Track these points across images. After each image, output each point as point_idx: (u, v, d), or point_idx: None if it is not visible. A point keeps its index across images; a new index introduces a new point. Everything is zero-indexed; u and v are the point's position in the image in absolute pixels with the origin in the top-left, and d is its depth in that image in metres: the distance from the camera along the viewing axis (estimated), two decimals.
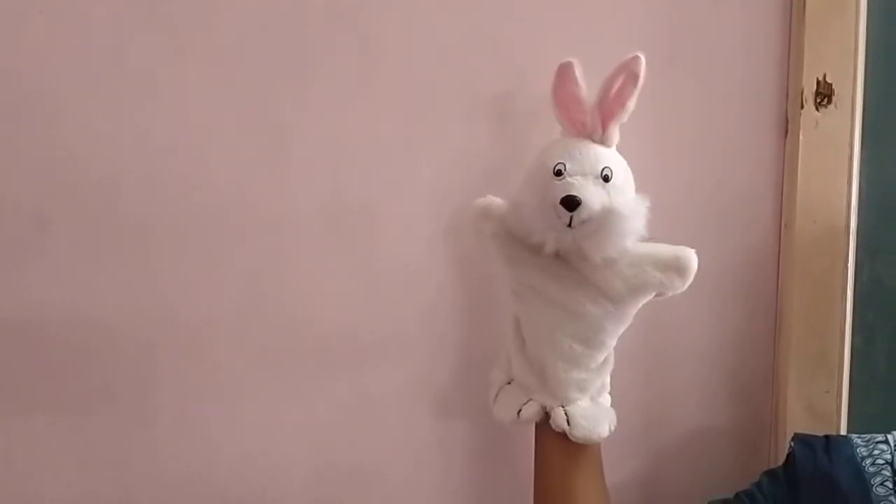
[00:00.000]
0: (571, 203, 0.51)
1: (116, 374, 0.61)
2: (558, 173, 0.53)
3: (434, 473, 0.69)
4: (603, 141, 0.55)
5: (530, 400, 0.58)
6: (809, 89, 0.69)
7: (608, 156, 0.55)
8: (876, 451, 0.57)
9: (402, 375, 0.67)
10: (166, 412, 0.63)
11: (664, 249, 0.55)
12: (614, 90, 0.54)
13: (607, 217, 0.52)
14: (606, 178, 0.53)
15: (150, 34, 0.59)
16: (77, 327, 0.60)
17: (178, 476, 0.63)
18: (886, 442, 0.58)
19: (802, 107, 0.69)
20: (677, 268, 0.55)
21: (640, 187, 0.69)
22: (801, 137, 0.69)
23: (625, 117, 0.55)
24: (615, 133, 0.56)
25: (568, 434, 0.55)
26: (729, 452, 0.73)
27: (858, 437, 0.59)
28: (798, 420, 0.70)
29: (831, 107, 0.69)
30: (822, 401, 0.70)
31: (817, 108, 0.69)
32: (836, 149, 0.69)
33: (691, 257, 0.55)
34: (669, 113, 0.69)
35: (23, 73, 0.58)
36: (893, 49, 0.69)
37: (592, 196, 0.52)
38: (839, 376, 0.70)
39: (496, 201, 0.58)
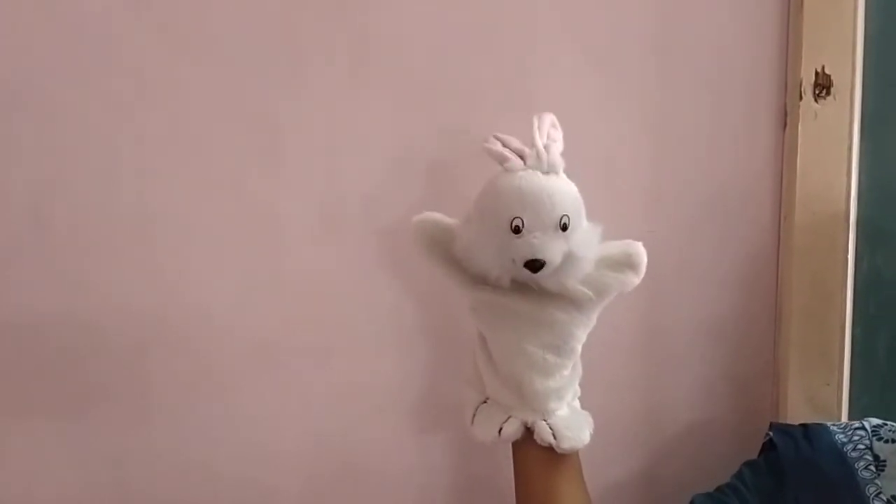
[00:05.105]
0: (535, 266, 0.51)
1: (112, 372, 0.61)
2: (516, 230, 0.51)
3: (428, 462, 0.68)
4: (551, 169, 0.53)
5: (510, 417, 0.56)
6: (808, 81, 0.69)
7: (562, 196, 0.52)
8: (855, 438, 0.58)
9: (399, 366, 0.66)
10: (162, 409, 0.62)
11: (614, 249, 0.56)
12: (544, 136, 0.53)
13: (566, 261, 0.52)
14: (565, 227, 0.52)
15: (142, 32, 0.59)
16: (72, 325, 0.60)
17: (174, 471, 0.63)
18: (863, 428, 0.59)
19: (801, 98, 0.69)
20: (630, 264, 0.56)
21: (640, 180, 0.69)
22: (799, 129, 0.69)
23: (561, 148, 0.54)
24: (559, 159, 0.53)
25: (555, 447, 0.54)
26: (730, 446, 0.73)
27: (834, 425, 0.61)
28: (799, 412, 0.70)
29: (830, 98, 0.69)
30: (822, 393, 0.70)
31: (816, 100, 0.69)
32: (835, 140, 0.69)
33: (640, 251, 0.56)
34: (668, 105, 0.69)
35: (17, 71, 0.58)
36: (892, 40, 0.69)
37: (555, 253, 0.51)
38: (840, 368, 0.70)
39: (437, 225, 0.56)
